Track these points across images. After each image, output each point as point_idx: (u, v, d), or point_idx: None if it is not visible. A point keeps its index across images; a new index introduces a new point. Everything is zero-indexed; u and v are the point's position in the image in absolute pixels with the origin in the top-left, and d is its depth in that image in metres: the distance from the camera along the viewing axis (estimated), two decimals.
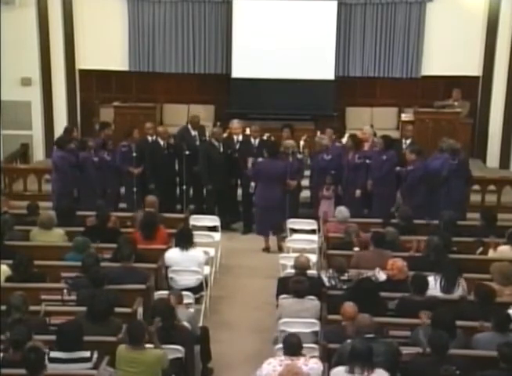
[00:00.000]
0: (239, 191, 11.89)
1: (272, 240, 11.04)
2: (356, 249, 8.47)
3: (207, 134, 12.14)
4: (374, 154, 11.13)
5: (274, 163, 10.80)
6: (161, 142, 11.56)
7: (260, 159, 10.94)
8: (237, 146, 11.68)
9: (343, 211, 9.42)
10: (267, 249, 11.02)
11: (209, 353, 7.51)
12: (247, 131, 11.99)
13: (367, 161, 11.05)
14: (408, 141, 11.53)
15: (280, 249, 10.81)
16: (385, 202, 10.90)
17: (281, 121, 12.95)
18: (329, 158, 11.24)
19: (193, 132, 12.05)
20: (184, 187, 11.70)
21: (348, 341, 6.19)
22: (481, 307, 6.81)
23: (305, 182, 11.73)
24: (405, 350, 6.29)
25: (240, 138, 11.75)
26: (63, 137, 11.48)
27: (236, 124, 11.86)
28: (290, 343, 6.18)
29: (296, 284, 7.32)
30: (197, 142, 11.91)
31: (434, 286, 7.39)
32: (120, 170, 11.40)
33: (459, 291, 7.46)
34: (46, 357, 5.89)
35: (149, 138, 11.57)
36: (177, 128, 12.65)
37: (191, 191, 11.92)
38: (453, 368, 5.60)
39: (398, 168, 10.93)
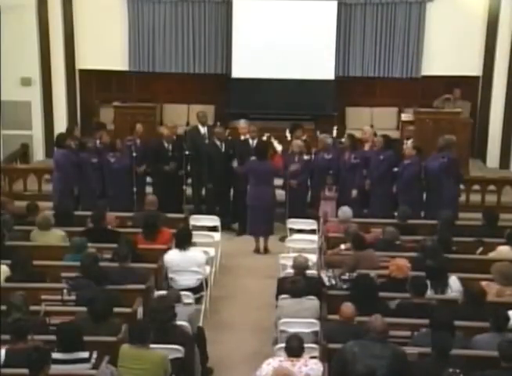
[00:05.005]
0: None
1: (271, 242, 11.03)
2: (342, 246, 8.48)
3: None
4: (373, 154, 11.16)
5: (263, 163, 10.81)
6: (165, 144, 11.58)
7: (253, 158, 10.95)
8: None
9: (346, 211, 9.40)
10: (257, 250, 11.02)
11: (206, 354, 7.50)
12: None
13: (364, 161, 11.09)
14: (409, 141, 11.56)
15: (266, 251, 10.90)
16: (383, 202, 10.92)
17: (281, 121, 12.95)
18: (329, 157, 11.26)
19: (203, 130, 12.06)
20: (191, 187, 11.82)
21: (349, 343, 6.17)
22: (472, 308, 6.80)
23: None
24: (406, 350, 6.29)
25: (242, 138, 11.75)
26: (62, 135, 11.48)
27: (242, 124, 11.86)
28: (291, 347, 6.18)
29: (291, 284, 7.34)
30: (207, 141, 11.89)
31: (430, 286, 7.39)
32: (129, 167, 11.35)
33: (455, 290, 7.46)
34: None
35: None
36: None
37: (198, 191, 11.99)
38: (457, 371, 5.58)
39: (395, 169, 10.95)
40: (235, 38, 14.20)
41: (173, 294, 7.23)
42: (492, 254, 8.45)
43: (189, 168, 11.88)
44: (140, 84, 14.88)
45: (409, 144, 11.22)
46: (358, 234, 8.42)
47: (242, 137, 11.65)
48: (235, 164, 11.30)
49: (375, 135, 11.65)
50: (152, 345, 6.28)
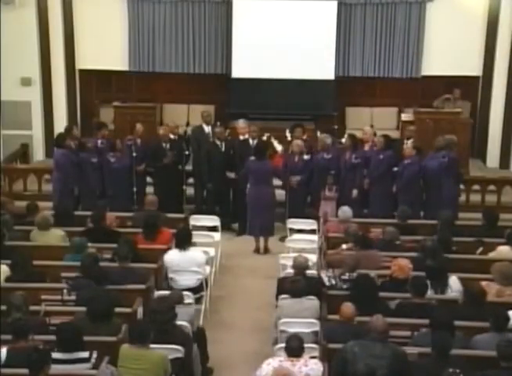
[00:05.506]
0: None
1: (271, 242, 11.03)
2: (344, 246, 8.47)
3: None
4: (373, 154, 11.17)
5: (262, 163, 10.81)
6: (163, 144, 11.58)
7: (252, 158, 10.96)
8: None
9: (346, 211, 9.40)
10: (257, 250, 11.02)
11: (206, 354, 7.51)
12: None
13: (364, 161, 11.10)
14: (409, 141, 11.58)
15: (266, 251, 10.89)
16: (383, 202, 10.92)
17: (281, 121, 12.92)
18: (329, 157, 11.26)
19: (207, 129, 12.09)
20: (193, 187, 11.86)
21: (349, 343, 6.17)
22: (472, 308, 6.79)
23: None
24: (406, 350, 6.28)
25: (241, 138, 11.74)
26: (61, 135, 11.47)
27: (242, 124, 11.86)
28: (291, 347, 6.18)
29: (291, 284, 7.34)
30: (211, 140, 11.91)
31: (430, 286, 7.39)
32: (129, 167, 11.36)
33: (455, 290, 7.46)
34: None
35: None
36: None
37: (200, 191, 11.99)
38: (457, 371, 5.58)
39: (395, 169, 10.96)
40: (235, 38, 14.20)
41: (175, 295, 7.22)
42: (492, 254, 8.45)
43: (191, 167, 11.89)
44: (140, 84, 14.89)
45: (409, 144, 11.26)
46: (361, 233, 8.43)
47: (242, 137, 11.66)
48: (231, 175, 11.33)
49: (375, 135, 11.66)
50: (152, 345, 6.27)
